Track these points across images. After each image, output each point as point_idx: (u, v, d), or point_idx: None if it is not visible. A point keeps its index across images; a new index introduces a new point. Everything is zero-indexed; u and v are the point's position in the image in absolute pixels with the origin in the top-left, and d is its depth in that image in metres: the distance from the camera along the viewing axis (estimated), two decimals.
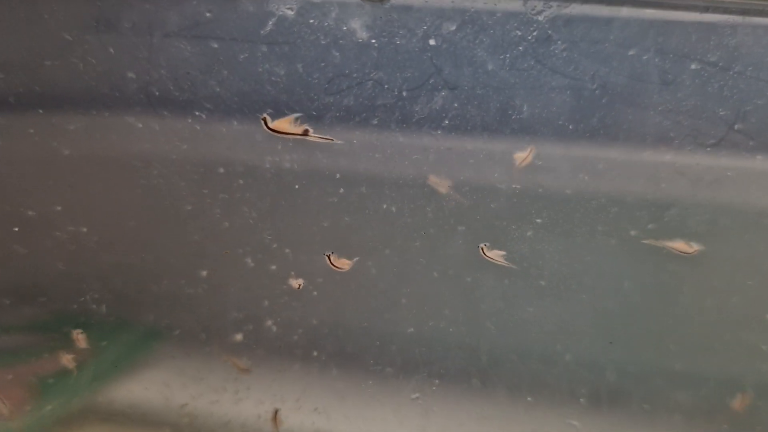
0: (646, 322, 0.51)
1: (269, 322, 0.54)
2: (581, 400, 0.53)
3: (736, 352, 0.51)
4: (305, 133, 0.47)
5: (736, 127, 0.45)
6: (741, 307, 0.49)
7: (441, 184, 0.48)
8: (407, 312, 0.52)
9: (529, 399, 0.53)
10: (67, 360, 0.56)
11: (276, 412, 0.56)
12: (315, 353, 0.55)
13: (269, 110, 0.47)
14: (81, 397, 0.57)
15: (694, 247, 0.48)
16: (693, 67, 0.44)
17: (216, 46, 0.45)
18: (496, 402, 0.53)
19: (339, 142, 0.47)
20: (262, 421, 0.57)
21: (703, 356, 0.51)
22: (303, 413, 0.56)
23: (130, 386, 0.57)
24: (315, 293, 0.53)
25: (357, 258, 0.51)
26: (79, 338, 0.55)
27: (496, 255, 0.50)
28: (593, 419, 0.53)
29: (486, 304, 0.51)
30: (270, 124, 0.47)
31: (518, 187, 0.48)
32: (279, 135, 0.47)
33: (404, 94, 0.46)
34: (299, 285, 0.52)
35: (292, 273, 0.52)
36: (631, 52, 0.44)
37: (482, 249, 0.50)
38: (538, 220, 0.49)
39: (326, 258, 0.51)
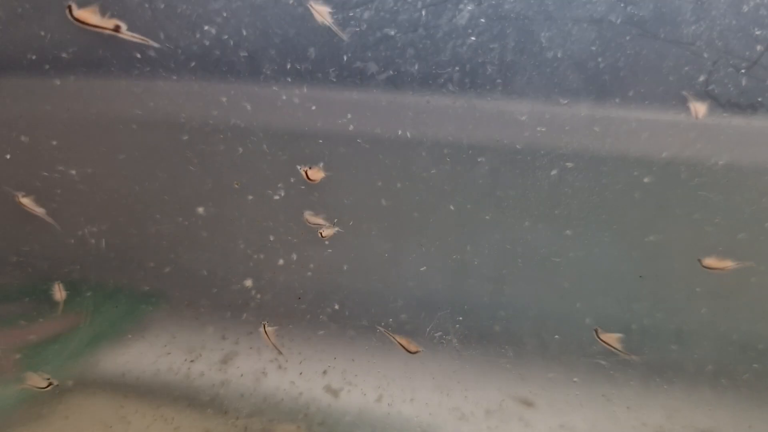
0: (672, 263, 0.49)
1: (274, 272, 0.51)
2: None
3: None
4: (116, 29, 0.43)
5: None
6: None
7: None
8: (427, 248, 0.50)
9: (556, 337, 0.50)
10: (59, 324, 0.52)
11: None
12: (326, 296, 0.52)
13: None
14: (75, 363, 0.53)
15: None
16: None
17: None
18: (523, 342, 0.51)
19: (155, 44, 0.44)
20: (262, 376, 0.54)
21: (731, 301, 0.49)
22: (315, 362, 0.53)
23: (125, 352, 0.53)
24: (324, 236, 0.50)
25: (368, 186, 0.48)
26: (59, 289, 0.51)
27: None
28: (622, 359, 0.50)
29: (509, 243, 0.49)
30: (75, 13, 0.42)
31: (544, 123, 0.45)
32: (85, 27, 0.43)
33: (426, 8, 0.43)
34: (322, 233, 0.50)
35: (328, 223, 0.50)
36: None
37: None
38: (565, 160, 0.46)
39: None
